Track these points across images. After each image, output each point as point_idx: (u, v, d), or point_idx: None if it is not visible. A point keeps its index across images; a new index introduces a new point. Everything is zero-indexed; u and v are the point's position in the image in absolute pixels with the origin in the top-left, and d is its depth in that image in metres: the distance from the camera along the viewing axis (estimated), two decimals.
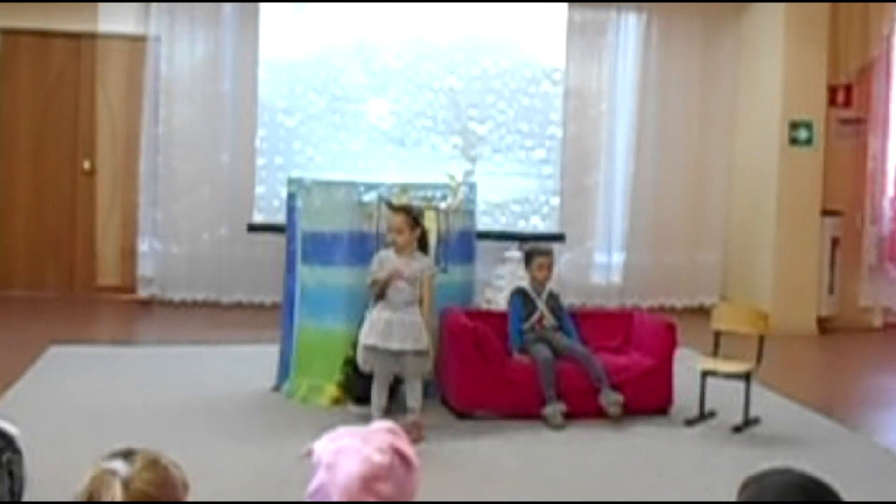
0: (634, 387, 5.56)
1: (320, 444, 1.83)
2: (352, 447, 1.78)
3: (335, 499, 1.77)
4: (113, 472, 1.54)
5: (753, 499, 1.77)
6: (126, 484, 1.53)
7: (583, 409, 5.42)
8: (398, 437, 1.85)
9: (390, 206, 5.37)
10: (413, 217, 5.14)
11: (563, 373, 5.48)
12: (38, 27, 8.66)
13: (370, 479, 1.76)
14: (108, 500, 1.53)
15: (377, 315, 5.06)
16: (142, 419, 5.18)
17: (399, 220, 5.11)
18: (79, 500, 1.56)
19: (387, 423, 1.91)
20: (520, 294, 5.86)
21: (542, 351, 5.55)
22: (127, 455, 1.58)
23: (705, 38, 9.31)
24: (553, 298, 5.86)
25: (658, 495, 4.40)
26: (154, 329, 8.15)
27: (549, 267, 5.89)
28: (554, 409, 5.36)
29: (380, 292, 5.08)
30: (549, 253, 6.00)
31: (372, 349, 5.05)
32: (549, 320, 5.77)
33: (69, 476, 1.68)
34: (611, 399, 5.41)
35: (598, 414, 5.43)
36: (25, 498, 1.86)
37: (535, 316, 5.76)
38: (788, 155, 8.61)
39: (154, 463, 1.58)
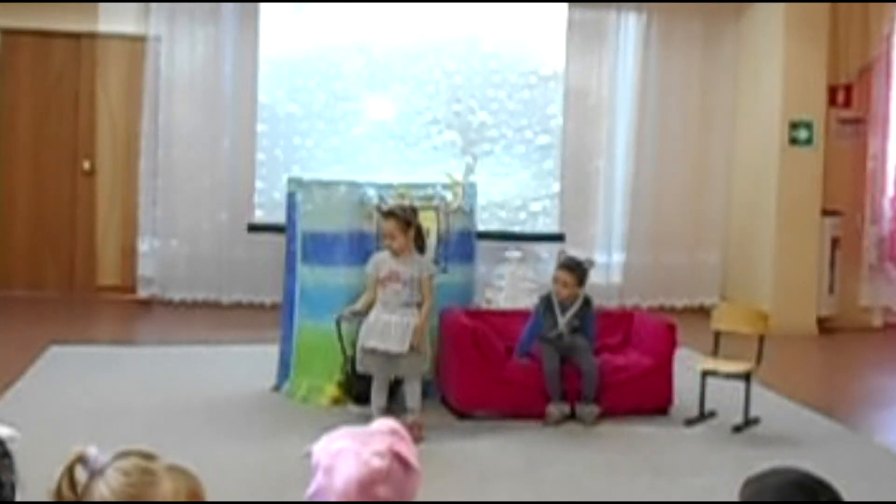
0: (634, 387, 5.56)
1: (319, 445, 1.82)
2: (350, 450, 1.78)
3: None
4: (80, 458, 1.51)
5: (754, 498, 1.77)
6: (92, 472, 1.49)
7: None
8: (399, 439, 1.84)
9: (380, 211, 5.34)
10: (405, 220, 5.08)
11: (565, 374, 5.46)
12: (38, 27, 8.66)
13: (368, 483, 1.75)
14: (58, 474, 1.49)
15: (374, 316, 5.06)
16: (142, 419, 5.18)
17: (390, 225, 5.06)
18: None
19: (389, 423, 1.89)
20: (544, 302, 5.58)
21: (550, 358, 5.43)
22: (128, 453, 1.55)
23: (705, 38, 9.31)
24: (577, 318, 5.49)
25: (658, 495, 4.40)
26: (154, 329, 8.15)
27: (572, 284, 5.44)
28: (555, 409, 5.36)
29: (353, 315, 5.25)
30: (573, 268, 5.49)
31: (368, 350, 5.05)
32: (567, 338, 5.50)
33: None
34: (585, 412, 5.39)
35: (599, 414, 5.43)
36: (25, 498, 1.85)
37: (553, 333, 5.49)
38: (788, 155, 8.61)
39: (135, 471, 1.49)
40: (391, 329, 4.98)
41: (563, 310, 5.49)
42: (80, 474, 1.50)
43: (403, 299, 5.04)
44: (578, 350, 5.48)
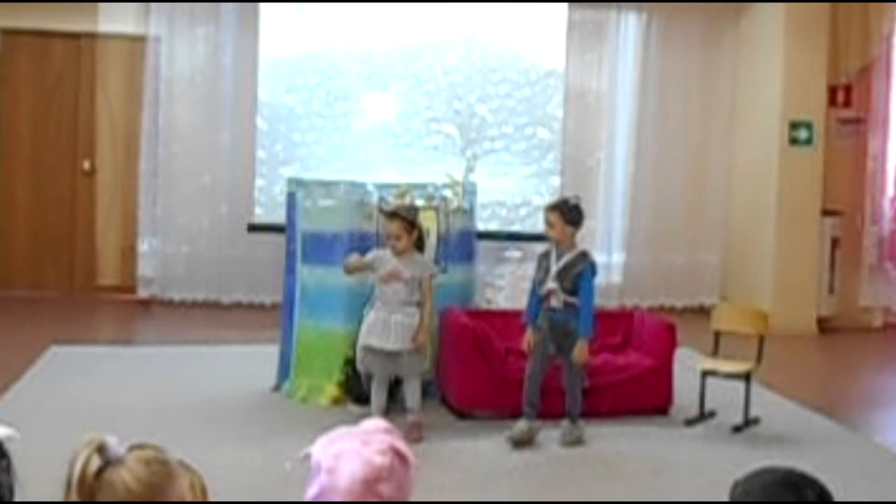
0: (634, 387, 5.56)
1: (318, 447, 1.83)
2: (352, 450, 1.78)
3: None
4: (100, 444, 1.51)
5: (742, 499, 1.78)
6: (109, 462, 1.49)
7: (581, 408, 5.42)
8: (394, 436, 1.85)
9: (383, 212, 5.34)
10: (409, 221, 5.10)
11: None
12: (38, 27, 8.66)
13: (372, 481, 1.76)
14: (72, 464, 1.48)
15: (374, 316, 5.06)
16: (142, 419, 5.18)
17: (395, 226, 5.07)
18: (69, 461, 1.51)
19: (382, 423, 1.91)
20: (541, 256, 5.23)
21: (532, 363, 5.14)
22: (139, 446, 1.56)
23: (705, 38, 9.31)
24: (568, 269, 5.04)
25: (658, 495, 4.40)
26: (154, 329, 8.15)
27: (558, 223, 5.04)
28: (523, 425, 5.06)
29: (350, 270, 5.20)
30: (555, 206, 5.12)
31: (368, 349, 5.05)
32: (558, 300, 5.04)
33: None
34: (564, 429, 5.10)
35: (598, 414, 5.43)
36: (24, 498, 1.85)
37: (544, 289, 5.09)
38: (788, 155, 8.61)
39: (154, 461, 1.52)
40: (391, 328, 4.99)
41: (557, 259, 5.08)
42: (92, 463, 1.50)
43: (403, 298, 5.04)
44: (566, 349, 5.07)
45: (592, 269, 5.09)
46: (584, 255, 5.10)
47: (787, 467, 1.82)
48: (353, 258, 5.21)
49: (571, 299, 5.03)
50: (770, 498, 1.74)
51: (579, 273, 5.03)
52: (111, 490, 1.48)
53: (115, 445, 1.52)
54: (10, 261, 8.85)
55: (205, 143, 8.78)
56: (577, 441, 5.09)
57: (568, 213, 5.09)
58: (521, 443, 5.01)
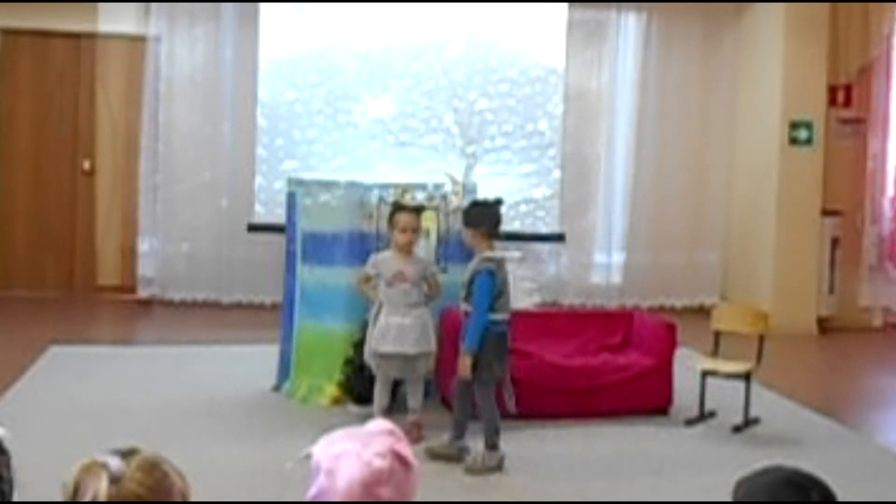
0: (634, 386, 5.56)
1: (319, 447, 1.82)
2: (352, 452, 1.78)
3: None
4: (104, 465, 1.52)
5: (746, 498, 1.77)
6: (115, 480, 1.51)
7: (581, 408, 5.43)
8: (397, 439, 1.85)
9: (402, 206, 5.31)
10: (419, 217, 5.16)
11: (565, 370, 5.46)
12: (38, 27, 8.66)
13: (371, 484, 1.76)
14: (92, 493, 1.49)
15: (385, 321, 4.99)
16: (142, 419, 5.18)
17: (412, 219, 5.08)
18: (66, 490, 1.52)
19: (386, 425, 1.90)
20: None
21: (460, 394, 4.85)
22: (127, 453, 1.57)
23: (705, 38, 9.31)
24: (470, 274, 4.70)
25: (658, 495, 4.40)
26: (154, 329, 8.15)
27: (464, 227, 4.83)
28: (444, 440, 4.82)
29: (363, 288, 5.18)
30: (465, 210, 4.91)
31: (384, 356, 5.01)
32: (461, 308, 4.82)
33: (68, 476, 1.67)
34: (472, 460, 4.71)
35: (598, 414, 5.43)
36: (23, 498, 1.85)
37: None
38: (788, 155, 8.61)
39: (153, 466, 1.55)
40: (406, 331, 4.96)
41: None
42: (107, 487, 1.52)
43: (413, 300, 5.01)
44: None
45: (489, 273, 4.62)
46: (483, 260, 4.67)
47: (791, 467, 1.82)
48: (360, 276, 5.21)
49: (470, 308, 4.70)
50: (774, 498, 1.74)
51: (472, 279, 4.65)
52: (123, 501, 1.50)
53: (114, 460, 1.53)
54: (10, 261, 8.85)
55: (205, 142, 8.78)
56: (485, 471, 4.60)
57: (470, 217, 4.81)
58: (438, 456, 4.74)
